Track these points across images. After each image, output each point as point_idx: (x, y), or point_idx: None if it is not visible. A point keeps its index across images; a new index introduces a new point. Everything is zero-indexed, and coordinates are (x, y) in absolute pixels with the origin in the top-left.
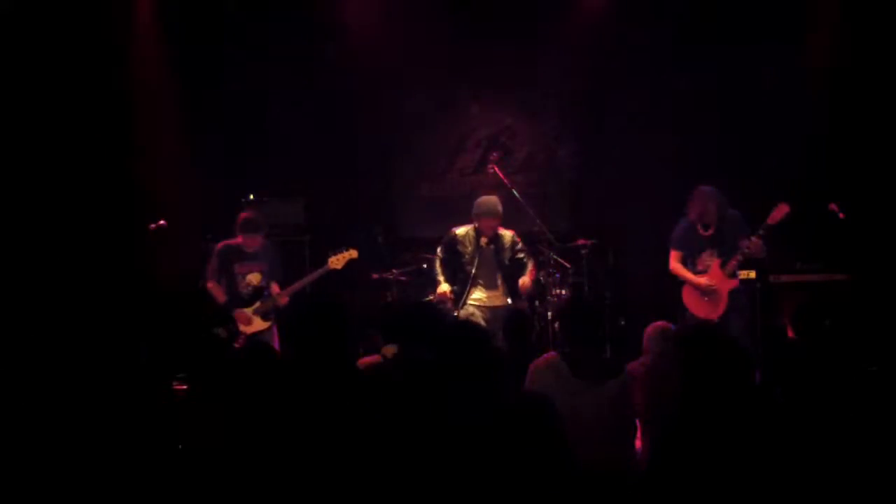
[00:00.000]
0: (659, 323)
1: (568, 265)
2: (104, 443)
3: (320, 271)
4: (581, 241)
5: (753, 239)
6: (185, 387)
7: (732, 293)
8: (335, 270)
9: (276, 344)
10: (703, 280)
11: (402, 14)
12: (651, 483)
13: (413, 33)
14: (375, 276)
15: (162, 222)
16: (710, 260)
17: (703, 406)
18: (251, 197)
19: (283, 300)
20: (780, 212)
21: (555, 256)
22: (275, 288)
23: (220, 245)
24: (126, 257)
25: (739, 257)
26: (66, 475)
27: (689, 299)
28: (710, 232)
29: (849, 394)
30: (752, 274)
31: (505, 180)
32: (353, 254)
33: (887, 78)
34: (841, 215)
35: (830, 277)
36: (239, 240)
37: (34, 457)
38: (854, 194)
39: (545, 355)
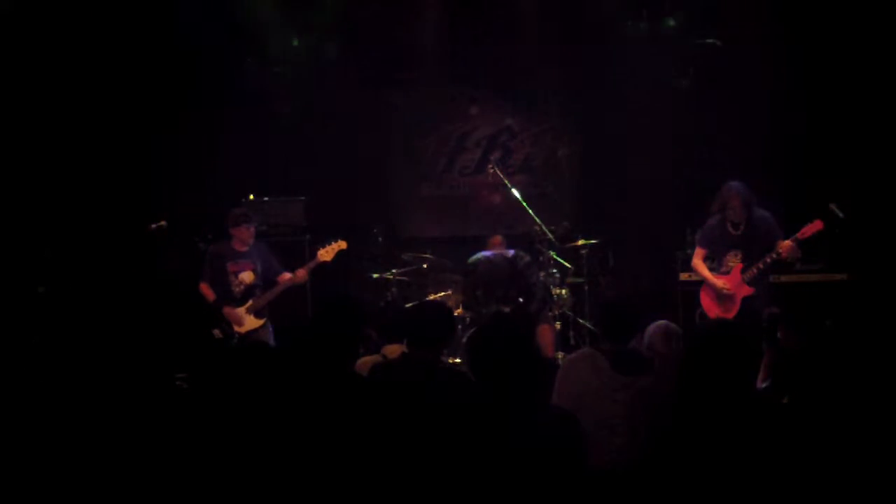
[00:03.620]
0: (660, 322)
1: (568, 265)
2: (105, 442)
3: (311, 264)
4: (581, 241)
5: (787, 242)
6: (185, 386)
7: (746, 300)
8: (326, 263)
9: (270, 342)
10: (719, 282)
11: (402, 14)
12: (646, 479)
13: (413, 33)
14: (375, 276)
15: (162, 222)
16: (734, 261)
17: (700, 404)
18: (251, 197)
19: (302, 274)
20: (813, 228)
21: (555, 256)
22: (284, 276)
23: (212, 247)
24: (126, 257)
25: (761, 265)
26: (67, 474)
27: (704, 297)
28: (740, 231)
29: (848, 394)
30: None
31: (505, 180)
32: (343, 245)
33: (887, 78)
34: (841, 215)
35: (830, 277)
36: (231, 239)
37: (34, 456)
38: (854, 194)
39: (581, 350)
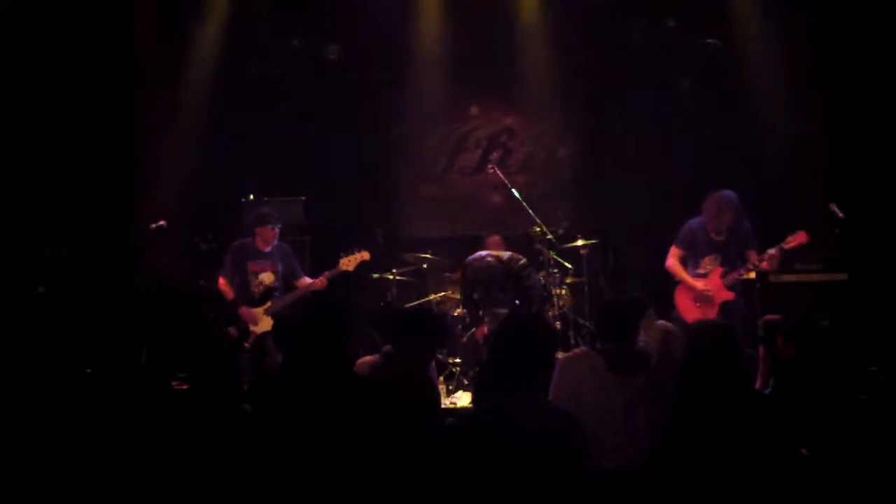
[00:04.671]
0: (659, 323)
1: (568, 265)
2: (104, 442)
3: (332, 272)
4: (581, 241)
5: (771, 252)
6: (185, 387)
7: (725, 304)
8: (347, 272)
9: None
10: (699, 284)
11: (402, 14)
12: (652, 477)
13: (413, 33)
14: (375, 276)
15: (162, 222)
16: (712, 266)
17: (700, 404)
18: (251, 197)
19: (322, 281)
20: (798, 239)
21: (555, 256)
22: (304, 280)
23: (236, 243)
24: (126, 257)
25: (743, 272)
26: (66, 475)
27: (680, 300)
28: (722, 238)
29: (847, 393)
30: (752, 274)
31: (505, 180)
32: (366, 255)
33: (887, 77)
34: (841, 215)
35: (830, 277)
36: (254, 237)
37: (33, 456)
38: (854, 194)
39: (576, 349)
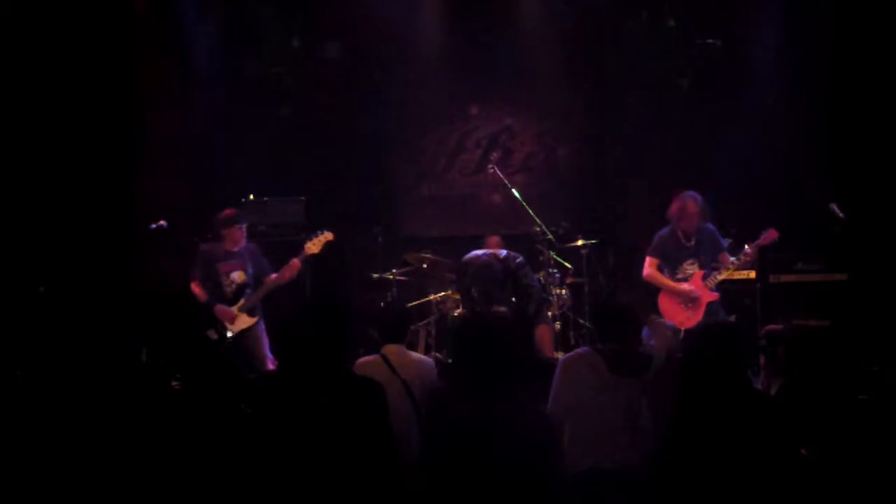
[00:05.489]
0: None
1: (568, 265)
2: (103, 443)
3: (300, 257)
4: (581, 241)
5: (747, 249)
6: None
7: (710, 305)
8: (314, 255)
9: (265, 339)
10: (685, 287)
11: (402, 14)
12: (652, 477)
13: (414, 33)
14: (375, 276)
15: (162, 222)
16: (692, 269)
17: (700, 403)
18: (251, 197)
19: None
20: (770, 237)
21: (555, 256)
22: (271, 277)
23: (205, 246)
24: (125, 257)
25: (723, 272)
26: (65, 475)
27: (665, 306)
28: (692, 243)
29: (848, 393)
30: (752, 274)
31: (505, 180)
32: (329, 236)
33: (888, 77)
34: (841, 215)
35: (830, 277)
36: (222, 240)
37: (33, 457)
38: (854, 194)
39: (577, 350)
